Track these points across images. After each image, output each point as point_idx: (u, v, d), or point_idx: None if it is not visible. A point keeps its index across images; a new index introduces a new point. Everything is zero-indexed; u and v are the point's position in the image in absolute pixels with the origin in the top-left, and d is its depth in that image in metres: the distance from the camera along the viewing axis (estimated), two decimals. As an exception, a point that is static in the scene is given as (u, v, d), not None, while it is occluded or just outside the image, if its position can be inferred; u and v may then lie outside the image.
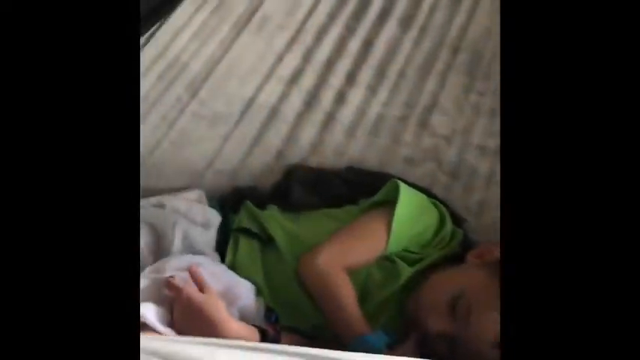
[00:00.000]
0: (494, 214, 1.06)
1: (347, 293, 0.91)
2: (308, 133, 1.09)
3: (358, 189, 1.07)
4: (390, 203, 0.97)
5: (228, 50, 1.00)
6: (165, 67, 0.98)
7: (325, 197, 1.07)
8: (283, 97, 1.06)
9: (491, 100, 1.04)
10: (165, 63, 0.98)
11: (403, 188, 0.98)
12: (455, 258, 0.98)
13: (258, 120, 1.07)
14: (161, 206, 1.01)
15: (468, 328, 0.84)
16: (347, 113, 1.08)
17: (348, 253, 0.94)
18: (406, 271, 0.95)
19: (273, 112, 1.07)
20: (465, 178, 1.09)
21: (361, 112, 1.08)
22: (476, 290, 0.86)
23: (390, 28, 1.01)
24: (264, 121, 1.07)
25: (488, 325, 0.82)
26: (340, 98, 1.07)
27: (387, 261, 0.96)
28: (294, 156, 1.11)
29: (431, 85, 1.06)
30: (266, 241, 1.00)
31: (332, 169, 1.10)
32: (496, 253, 0.91)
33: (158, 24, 0.92)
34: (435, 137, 1.08)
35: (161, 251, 0.96)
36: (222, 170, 1.10)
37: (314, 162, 1.11)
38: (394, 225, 0.94)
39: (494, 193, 1.06)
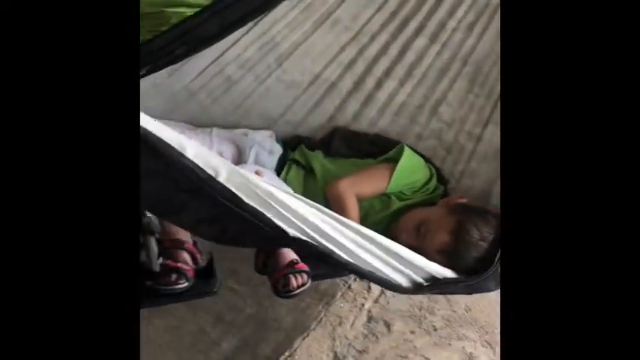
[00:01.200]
0: (469, 181, 1.46)
1: (353, 210, 1.31)
2: (353, 106, 1.52)
3: (379, 149, 1.48)
4: (397, 159, 1.39)
5: (307, 38, 1.42)
6: (264, 43, 1.41)
7: (355, 151, 1.49)
8: (340, 77, 1.48)
9: (483, 101, 1.42)
10: (265, 40, 1.40)
11: (407, 150, 1.40)
12: (432, 203, 1.39)
13: (320, 90, 1.50)
14: (245, 134, 1.47)
15: (423, 243, 1.24)
16: (381, 97, 1.50)
17: (359, 185, 1.35)
18: (396, 204, 1.36)
19: (331, 87, 1.50)
20: (455, 154, 1.48)
21: (391, 97, 1.49)
22: (433, 220, 1.26)
23: (421, 40, 1.41)
24: (324, 92, 1.50)
25: (435, 240, 1.23)
26: (378, 85, 1.49)
27: (385, 196, 1.38)
28: (341, 120, 1.54)
29: (443, 85, 1.45)
30: (309, 171, 1.45)
31: (364, 133, 1.53)
32: (457, 200, 1.32)
33: (263, 14, 1.36)
34: (440, 122, 1.49)
35: (240, 163, 1.42)
36: (289, 121, 1.54)
37: (353, 127, 1.54)
38: (394, 173, 1.36)
39: (472, 166, 1.46)
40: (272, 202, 0.84)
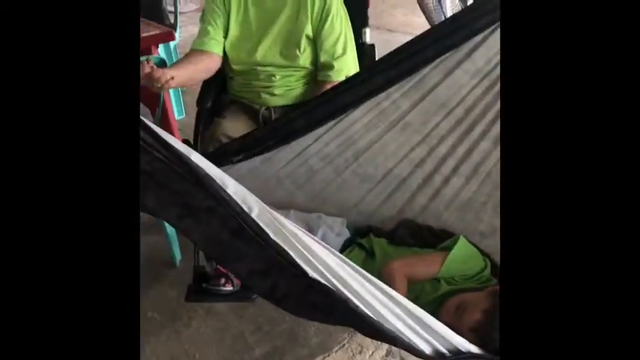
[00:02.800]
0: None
1: (400, 288, 1.40)
2: (420, 200, 1.66)
3: (441, 241, 1.59)
4: (452, 248, 1.49)
5: (381, 138, 1.61)
6: (343, 140, 1.61)
7: (418, 241, 1.61)
8: (410, 174, 1.64)
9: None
10: (344, 138, 1.60)
11: (462, 240, 1.50)
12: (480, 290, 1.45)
13: (391, 185, 1.67)
14: (319, 217, 1.65)
15: (459, 321, 1.31)
16: (448, 192, 1.63)
17: (411, 267, 1.46)
18: (444, 288, 1.45)
19: (402, 182, 1.66)
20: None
21: (458, 193, 1.62)
22: (471, 301, 1.33)
23: (485, 144, 1.55)
24: (395, 186, 1.67)
25: (469, 318, 1.30)
26: (446, 182, 1.62)
27: (436, 280, 1.47)
28: (409, 213, 1.68)
29: None
30: (370, 254, 1.58)
31: (429, 226, 1.65)
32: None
33: (343, 116, 1.58)
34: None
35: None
36: (362, 211, 1.71)
37: (420, 220, 1.67)
38: (447, 259, 1.46)
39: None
40: (295, 242, 0.97)
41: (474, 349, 1.16)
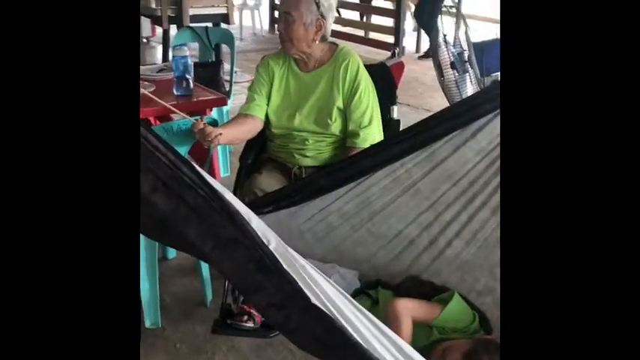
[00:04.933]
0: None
1: (407, 327, 1.61)
2: (426, 260, 1.86)
3: (437, 293, 1.78)
4: (448, 301, 1.67)
5: (394, 201, 1.82)
6: (361, 201, 1.83)
7: (420, 295, 1.79)
8: (418, 235, 1.84)
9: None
10: (362, 198, 1.82)
11: (456, 296, 1.68)
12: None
13: (401, 244, 1.87)
14: (333, 267, 1.86)
15: None
16: (450, 253, 1.82)
17: (416, 308, 1.66)
18: (435, 336, 1.63)
19: (411, 242, 1.86)
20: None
21: (458, 255, 1.81)
22: (456, 345, 1.53)
23: (484, 213, 1.75)
24: (404, 246, 1.87)
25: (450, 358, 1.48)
26: (449, 244, 1.82)
27: (428, 327, 1.66)
28: (415, 270, 1.88)
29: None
30: (375, 302, 1.78)
31: (431, 282, 1.84)
32: (485, 337, 1.56)
33: (362, 179, 1.80)
34: (496, 281, 1.75)
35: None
36: (374, 266, 1.91)
37: (424, 276, 1.86)
38: (444, 312, 1.64)
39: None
40: (303, 273, 1.15)
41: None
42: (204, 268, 2.36)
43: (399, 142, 1.78)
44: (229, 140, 2.25)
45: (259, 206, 1.83)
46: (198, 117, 2.02)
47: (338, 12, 7.90)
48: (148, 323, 2.26)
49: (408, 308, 1.65)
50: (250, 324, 1.63)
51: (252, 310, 1.58)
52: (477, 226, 1.77)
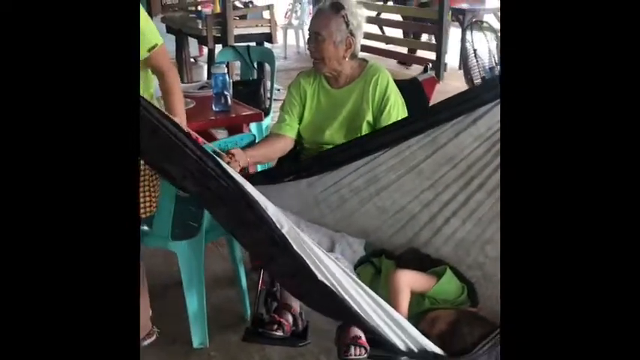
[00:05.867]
0: (497, 306, 1.82)
1: (405, 299, 1.78)
2: (425, 235, 2.04)
3: (432, 266, 1.95)
4: (440, 274, 1.86)
5: (399, 179, 2.00)
6: (370, 177, 2.00)
7: (417, 267, 1.94)
8: (419, 212, 2.02)
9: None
10: (371, 175, 2.00)
11: (448, 271, 1.88)
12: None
13: (404, 219, 2.04)
14: (342, 236, 2.06)
15: (430, 330, 1.67)
16: (448, 231, 1.99)
17: (414, 280, 1.83)
18: (426, 305, 1.82)
19: (412, 218, 2.03)
20: (492, 283, 1.88)
21: (455, 232, 1.98)
22: (442, 315, 1.71)
23: (480, 194, 1.92)
24: (407, 220, 2.04)
25: (437, 327, 1.68)
26: (446, 222, 1.99)
27: (421, 297, 1.84)
28: (416, 244, 2.05)
29: (492, 229, 1.90)
30: (378, 272, 1.96)
31: (428, 255, 2.02)
32: (469, 309, 1.78)
33: (372, 157, 2.00)
34: (485, 258, 1.92)
35: (331, 252, 1.98)
36: (379, 237, 2.09)
37: (423, 250, 2.04)
38: (437, 284, 1.83)
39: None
40: (311, 254, 1.37)
41: (438, 350, 1.54)
42: (243, 279, 2.49)
43: (406, 125, 1.98)
44: (259, 161, 2.32)
45: (282, 175, 2.07)
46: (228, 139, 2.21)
47: (382, 30, 8.03)
48: (195, 343, 2.32)
49: (408, 281, 1.81)
50: (280, 333, 1.68)
51: (282, 319, 1.69)
52: (473, 206, 1.94)
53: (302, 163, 2.08)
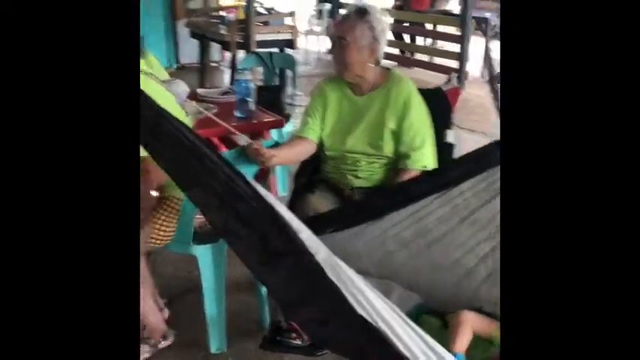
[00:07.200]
0: None
1: (466, 336, 1.61)
2: (485, 291, 1.78)
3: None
4: None
5: (452, 230, 1.77)
6: (419, 228, 1.78)
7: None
8: (475, 266, 1.77)
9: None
10: (420, 226, 1.78)
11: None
12: None
13: (459, 274, 1.80)
14: (395, 287, 1.82)
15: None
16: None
17: (478, 322, 1.63)
18: (492, 352, 1.62)
19: (468, 273, 1.79)
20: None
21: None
22: None
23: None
24: (463, 276, 1.80)
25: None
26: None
27: (488, 342, 1.64)
28: (475, 302, 1.78)
29: None
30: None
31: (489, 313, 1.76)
32: None
33: (419, 206, 1.75)
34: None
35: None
36: (431, 297, 1.84)
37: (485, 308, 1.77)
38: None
39: None
40: (349, 284, 1.13)
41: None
42: (263, 287, 2.37)
43: (456, 168, 1.76)
44: (283, 161, 2.33)
45: (322, 226, 1.83)
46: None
47: (402, 37, 7.99)
48: (213, 348, 2.28)
49: (471, 319, 1.64)
50: (299, 341, 1.66)
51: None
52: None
53: (336, 211, 1.91)
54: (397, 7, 8.19)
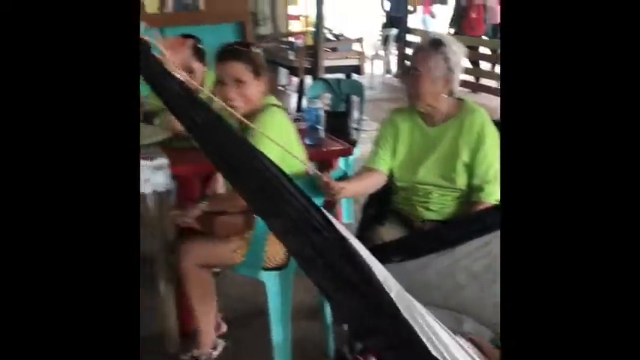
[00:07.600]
0: None
1: None
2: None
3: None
4: None
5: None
6: (487, 263, 1.71)
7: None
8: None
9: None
10: (487, 261, 1.70)
11: None
12: None
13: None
14: (469, 320, 1.76)
15: None
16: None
17: None
18: None
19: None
20: None
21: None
22: None
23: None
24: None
25: None
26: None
27: None
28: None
29: None
30: None
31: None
32: None
33: (487, 239, 1.69)
34: None
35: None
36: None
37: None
38: None
39: None
40: (422, 322, 1.10)
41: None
42: (328, 313, 2.38)
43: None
44: (352, 195, 2.30)
45: (384, 255, 1.79)
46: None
47: (477, 64, 7.90)
48: None
49: None
50: None
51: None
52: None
53: (411, 239, 1.88)
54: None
